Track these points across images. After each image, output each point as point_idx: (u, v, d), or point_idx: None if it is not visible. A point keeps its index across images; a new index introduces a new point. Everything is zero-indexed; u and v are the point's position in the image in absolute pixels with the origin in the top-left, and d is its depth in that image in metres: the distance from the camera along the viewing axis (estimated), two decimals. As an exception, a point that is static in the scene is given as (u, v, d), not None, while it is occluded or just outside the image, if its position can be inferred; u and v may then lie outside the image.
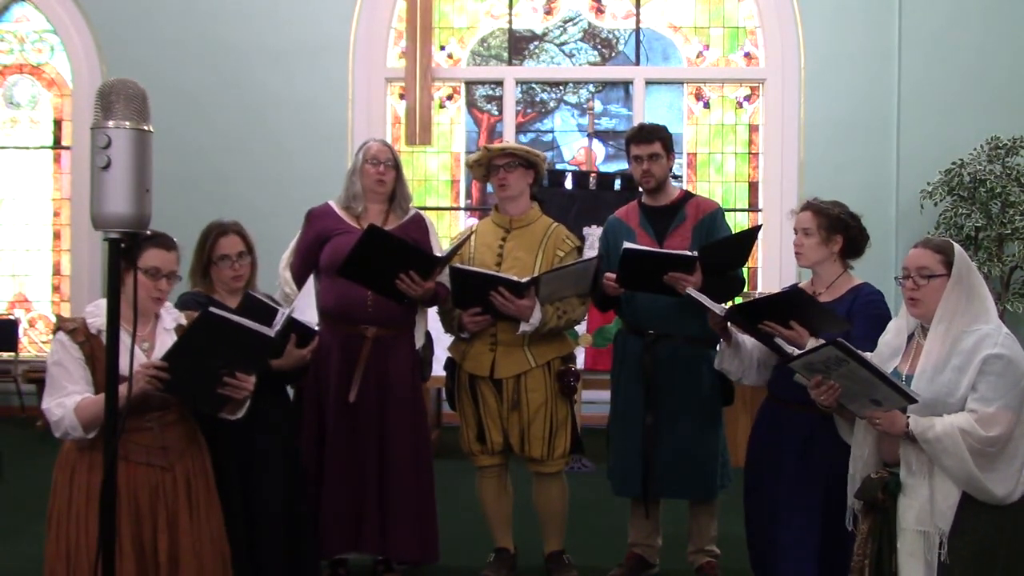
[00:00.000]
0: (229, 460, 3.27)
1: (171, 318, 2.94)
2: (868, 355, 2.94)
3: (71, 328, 2.79)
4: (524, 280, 3.73)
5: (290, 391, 3.72)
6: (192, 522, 2.88)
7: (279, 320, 3.03)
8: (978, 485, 2.63)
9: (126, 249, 2.72)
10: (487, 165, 4.02)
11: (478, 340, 3.96)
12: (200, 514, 2.91)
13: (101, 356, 2.73)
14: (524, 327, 3.80)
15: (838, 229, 3.29)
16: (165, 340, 2.86)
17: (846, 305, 3.22)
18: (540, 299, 3.79)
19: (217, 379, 2.73)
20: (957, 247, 2.79)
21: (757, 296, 3.39)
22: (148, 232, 2.80)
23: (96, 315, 2.80)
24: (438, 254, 3.85)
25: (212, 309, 2.69)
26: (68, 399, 2.70)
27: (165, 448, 2.82)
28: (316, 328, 3.35)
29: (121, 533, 2.69)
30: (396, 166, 3.94)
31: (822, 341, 3.03)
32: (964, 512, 2.66)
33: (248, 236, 3.39)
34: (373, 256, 3.62)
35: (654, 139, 3.98)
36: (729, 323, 3.33)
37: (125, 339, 2.72)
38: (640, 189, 4.12)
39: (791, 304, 3.12)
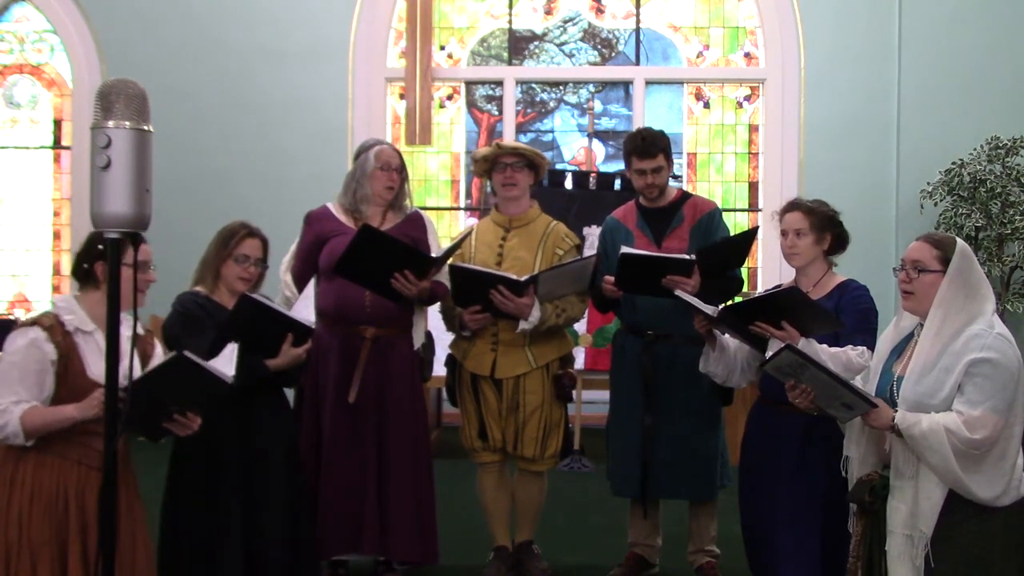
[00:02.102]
0: (229, 461, 3.27)
1: (127, 326, 2.89)
2: (856, 353, 2.93)
3: (48, 325, 2.69)
4: (523, 279, 3.73)
5: (288, 393, 3.72)
6: (131, 527, 2.82)
7: (230, 355, 2.94)
8: (962, 485, 2.60)
9: (105, 251, 2.68)
10: (492, 161, 4.03)
11: (480, 339, 3.97)
12: (135, 520, 2.85)
13: (75, 357, 2.68)
14: (523, 325, 3.81)
15: (827, 227, 3.32)
16: (124, 347, 2.83)
17: (834, 301, 3.23)
18: (539, 297, 3.80)
19: (167, 415, 2.67)
20: (960, 244, 2.74)
21: (751, 296, 3.38)
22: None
23: (70, 313, 2.73)
24: (435, 253, 3.86)
25: (186, 353, 2.61)
26: (16, 406, 2.61)
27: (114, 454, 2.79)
28: (312, 326, 3.34)
29: (71, 539, 2.65)
30: (404, 170, 3.95)
31: (816, 347, 3.04)
32: (952, 517, 2.63)
33: (268, 248, 3.39)
34: (367, 255, 3.62)
35: (656, 152, 3.95)
36: (713, 327, 3.34)
37: (100, 341, 2.70)
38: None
39: (784, 304, 3.12)
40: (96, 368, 2.68)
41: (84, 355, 2.71)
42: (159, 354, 2.93)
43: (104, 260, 2.73)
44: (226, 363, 2.88)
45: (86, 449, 2.68)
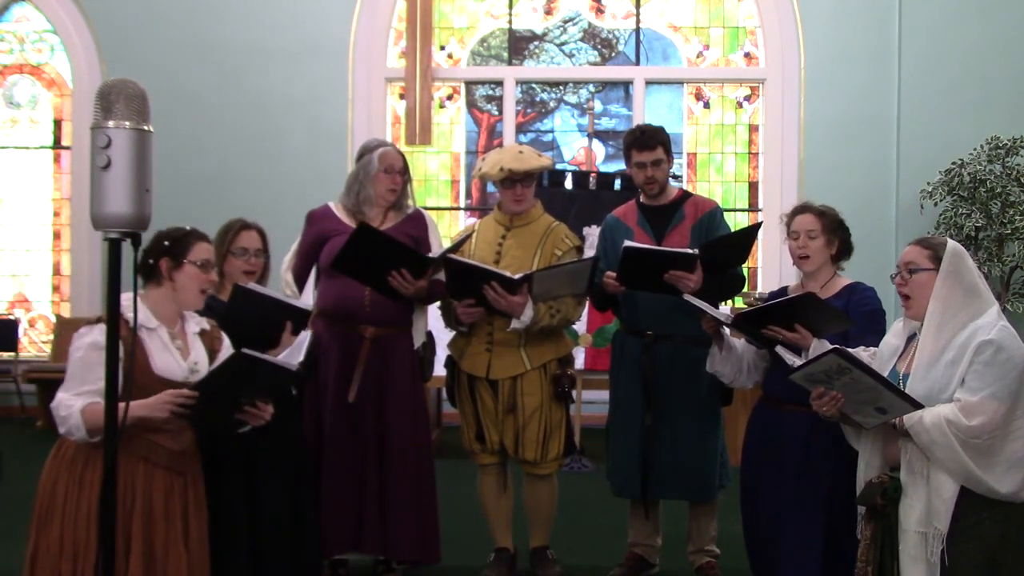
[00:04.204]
0: (233, 459, 3.27)
1: (194, 323, 2.92)
2: (868, 354, 2.93)
3: None
4: (517, 277, 3.72)
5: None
6: (199, 528, 2.87)
7: (302, 343, 3.01)
8: (975, 478, 2.59)
9: (170, 247, 2.77)
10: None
11: (475, 339, 3.96)
12: (201, 521, 2.90)
13: (140, 353, 2.69)
14: (515, 324, 3.79)
15: (837, 232, 3.33)
16: (195, 344, 2.85)
17: (842, 302, 3.24)
18: (533, 297, 3.78)
19: (238, 407, 2.74)
20: (952, 244, 2.76)
21: (765, 302, 3.37)
22: (187, 227, 2.84)
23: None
24: (436, 251, 3.85)
25: (245, 350, 2.65)
26: (78, 400, 2.63)
27: (183, 452, 2.81)
28: (309, 309, 3.36)
29: (133, 535, 2.68)
30: (407, 171, 3.95)
31: (824, 348, 3.04)
32: (967, 515, 2.62)
33: (267, 238, 3.42)
34: (364, 253, 3.63)
35: (656, 144, 3.96)
36: (725, 328, 3.35)
37: (164, 336, 2.77)
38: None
39: (799, 308, 3.12)
40: (161, 363, 2.72)
41: (149, 351, 2.73)
42: (227, 346, 2.96)
43: (170, 256, 2.78)
44: (295, 352, 2.95)
45: (151, 446, 2.71)
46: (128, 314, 2.66)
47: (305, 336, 3.06)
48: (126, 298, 2.61)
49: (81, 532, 2.67)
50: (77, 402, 2.62)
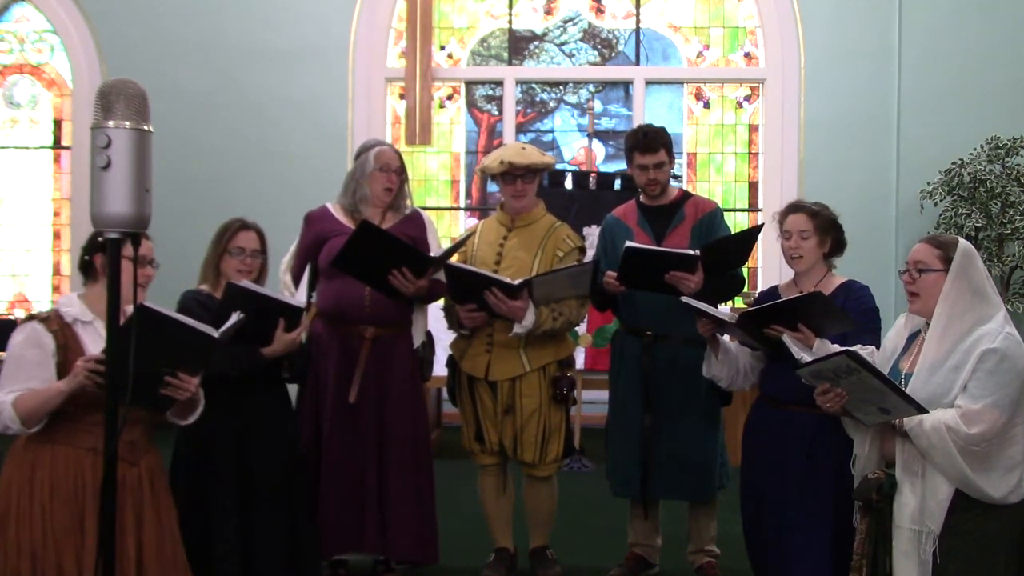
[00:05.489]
0: (227, 459, 3.27)
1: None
2: (867, 353, 2.94)
3: (44, 317, 2.74)
4: (516, 282, 3.72)
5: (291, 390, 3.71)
6: (156, 519, 2.85)
7: (230, 322, 2.89)
8: (970, 483, 2.61)
9: (103, 244, 2.74)
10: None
11: (475, 340, 3.96)
12: (161, 512, 2.88)
13: (75, 346, 2.71)
14: (517, 328, 3.80)
15: (829, 230, 3.33)
16: None
17: (839, 302, 3.24)
18: (535, 301, 3.78)
19: (159, 378, 2.63)
20: (963, 245, 2.76)
21: (757, 302, 3.37)
22: None
23: (69, 306, 2.77)
24: (435, 252, 3.85)
25: (146, 303, 2.58)
26: (8, 395, 2.64)
27: (133, 443, 2.78)
28: (302, 306, 3.34)
29: (86, 530, 2.67)
30: (404, 171, 3.95)
31: (828, 348, 3.04)
32: (963, 513, 2.64)
33: (265, 239, 3.41)
34: (365, 251, 3.63)
35: (659, 147, 3.95)
36: (721, 331, 3.34)
37: (100, 329, 2.75)
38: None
39: (804, 307, 3.12)
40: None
41: (84, 343, 2.73)
42: None
43: (103, 252, 2.77)
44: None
45: (98, 437, 2.67)
46: (64, 309, 2.75)
47: (237, 315, 2.91)
48: (63, 296, 2.74)
49: (37, 531, 2.67)
50: (6, 398, 2.64)
